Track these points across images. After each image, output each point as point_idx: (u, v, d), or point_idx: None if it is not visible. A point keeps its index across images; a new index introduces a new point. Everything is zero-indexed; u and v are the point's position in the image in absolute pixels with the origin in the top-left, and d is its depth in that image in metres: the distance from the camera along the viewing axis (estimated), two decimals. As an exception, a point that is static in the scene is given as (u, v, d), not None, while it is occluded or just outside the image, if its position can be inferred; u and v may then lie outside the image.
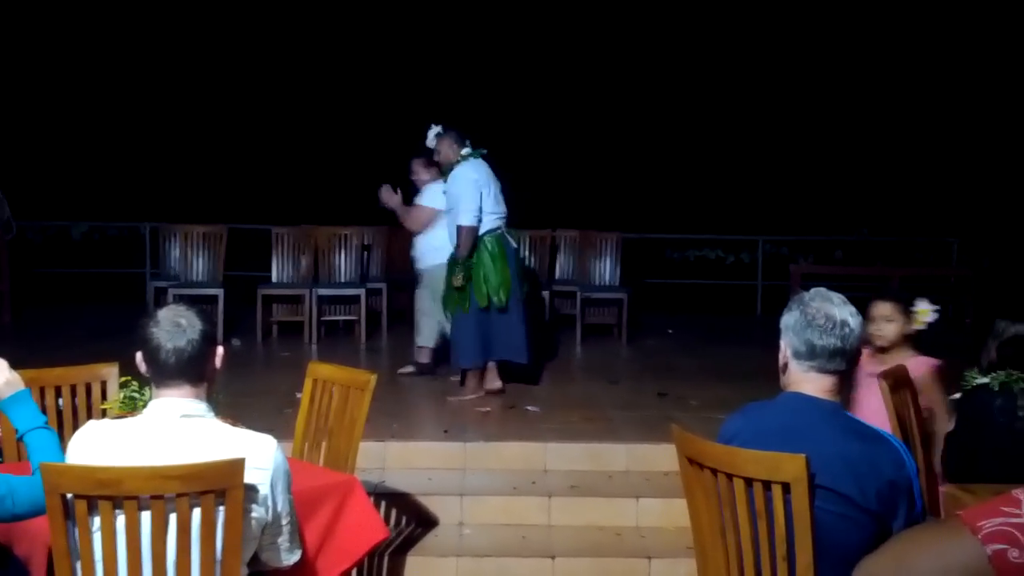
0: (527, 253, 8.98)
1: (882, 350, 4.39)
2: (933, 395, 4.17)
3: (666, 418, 5.83)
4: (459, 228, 6.29)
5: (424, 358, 7.10)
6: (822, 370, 2.66)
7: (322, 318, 8.70)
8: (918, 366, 4.24)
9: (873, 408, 3.89)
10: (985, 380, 4.03)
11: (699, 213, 11.86)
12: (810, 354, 2.66)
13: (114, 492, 2.58)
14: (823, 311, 2.66)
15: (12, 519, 2.74)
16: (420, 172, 7.25)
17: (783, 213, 11.84)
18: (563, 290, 9.01)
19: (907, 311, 4.38)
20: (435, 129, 6.65)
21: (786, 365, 2.73)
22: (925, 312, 4.34)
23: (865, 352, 3.72)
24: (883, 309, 4.38)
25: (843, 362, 2.65)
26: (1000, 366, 4.03)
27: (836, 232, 11.55)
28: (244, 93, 12.05)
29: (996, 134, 11.83)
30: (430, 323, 7.04)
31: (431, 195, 6.98)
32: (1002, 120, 11.74)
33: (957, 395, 4.16)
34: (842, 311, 2.66)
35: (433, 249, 6.83)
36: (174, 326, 2.67)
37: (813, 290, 2.74)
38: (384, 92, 12.07)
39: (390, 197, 6.99)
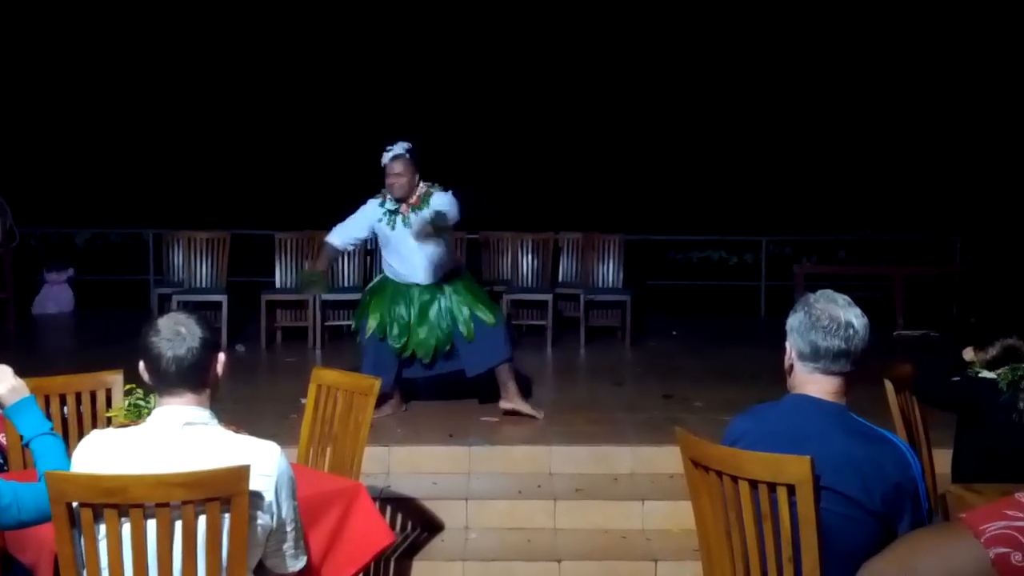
0: (530, 256, 8.98)
1: None
2: None
3: (671, 420, 5.82)
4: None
5: None
6: (826, 371, 2.66)
7: (326, 323, 8.68)
8: None
9: None
10: (991, 375, 4.05)
11: (702, 214, 11.85)
12: (814, 355, 2.66)
13: (119, 500, 2.58)
14: (827, 312, 2.65)
15: (18, 526, 2.74)
16: None
17: (786, 213, 11.82)
18: (566, 292, 8.99)
19: None
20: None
21: (792, 367, 2.73)
22: None
23: None
24: None
25: (848, 363, 2.65)
26: (996, 363, 4.07)
27: (839, 232, 11.53)
28: (247, 99, 12.06)
29: (998, 132, 11.82)
30: None
31: None
32: (1004, 118, 11.73)
33: (956, 378, 4.19)
34: (847, 312, 2.66)
35: None
36: (174, 334, 2.66)
37: (819, 292, 2.74)
38: (386, 96, 12.07)
39: None
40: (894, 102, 12.22)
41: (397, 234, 6.04)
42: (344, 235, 6.26)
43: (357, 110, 12.21)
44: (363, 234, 6.30)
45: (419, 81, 12.08)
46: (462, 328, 6.03)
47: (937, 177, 12.06)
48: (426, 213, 5.90)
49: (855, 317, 2.66)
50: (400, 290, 6.12)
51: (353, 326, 6.60)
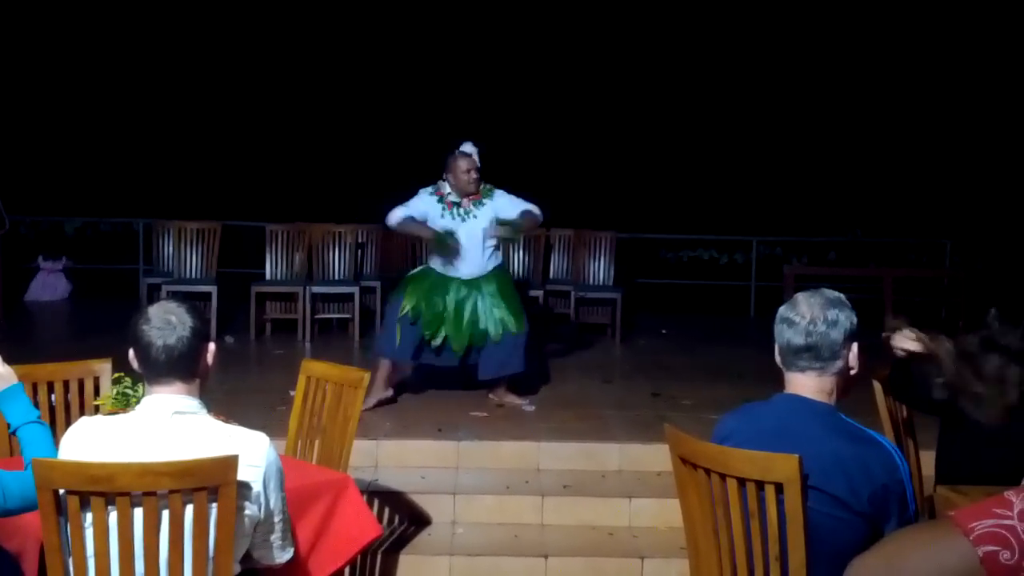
0: (521, 253, 8.97)
1: None
2: None
3: (659, 418, 5.83)
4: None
5: None
6: (799, 369, 2.65)
7: (316, 316, 8.68)
8: None
9: None
10: None
11: (693, 213, 11.86)
12: (783, 351, 2.66)
13: (106, 488, 2.57)
14: (799, 308, 2.63)
15: (4, 514, 2.73)
16: None
17: (777, 214, 11.84)
18: (557, 289, 9.00)
19: None
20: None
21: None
22: None
23: None
24: None
25: (814, 360, 2.62)
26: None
27: (830, 233, 11.55)
28: (239, 89, 12.02)
29: (990, 135, 11.84)
30: None
31: None
32: (995, 121, 11.75)
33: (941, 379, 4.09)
34: (819, 309, 2.62)
35: None
36: (165, 323, 2.66)
37: (815, 289, 2.72)
38: (379, 89, 12.05)
39: None
40: (887, 104, 12.24)
41: (461, 226, 6.16)
42: (400, 214, 6.21)
43: (350, 104, 12.20)
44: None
45: (412, 76, 12.06)
46: (491, 329, 6.12)
47: (928, 180, 12.09)
48: (513, 218, 6.20)
49: (824, 313, 2.61)
50: (441, 282, 6.20)
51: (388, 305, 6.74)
